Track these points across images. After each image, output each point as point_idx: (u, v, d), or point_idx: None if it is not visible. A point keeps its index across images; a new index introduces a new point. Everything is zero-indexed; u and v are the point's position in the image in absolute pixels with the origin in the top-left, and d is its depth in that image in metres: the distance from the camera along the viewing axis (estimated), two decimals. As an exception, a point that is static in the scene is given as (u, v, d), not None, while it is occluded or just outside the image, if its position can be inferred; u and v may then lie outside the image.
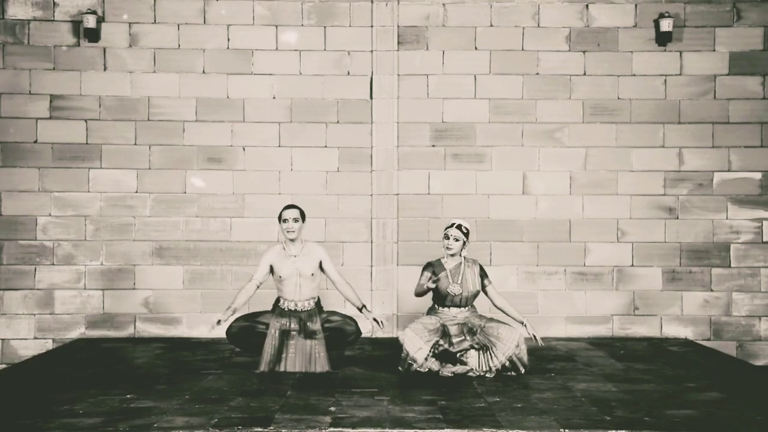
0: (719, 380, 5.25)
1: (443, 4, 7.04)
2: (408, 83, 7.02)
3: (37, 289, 6.86)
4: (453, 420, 4.17)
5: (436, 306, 5.43)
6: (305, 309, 5.43)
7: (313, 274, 5.43)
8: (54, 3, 6.92)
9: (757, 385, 5.21)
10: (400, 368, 5.26)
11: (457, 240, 5.35)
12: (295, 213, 5.42)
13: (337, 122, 7.02)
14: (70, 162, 6.91)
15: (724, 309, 6.99)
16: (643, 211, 7.02)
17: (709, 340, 6.94)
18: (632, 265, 7.02)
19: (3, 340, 6.84)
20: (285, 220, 5.40)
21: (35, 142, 6.90)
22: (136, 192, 6.94)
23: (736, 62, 7.04)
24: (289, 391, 4.82)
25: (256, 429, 3.99)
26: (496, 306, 5.53)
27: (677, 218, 7.03)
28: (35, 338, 6.83)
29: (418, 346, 5.18)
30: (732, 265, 7.00)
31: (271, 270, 5.44)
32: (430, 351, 5.18)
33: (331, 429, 4.00)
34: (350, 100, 7.02)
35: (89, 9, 6.87)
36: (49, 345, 6.80)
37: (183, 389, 4.85)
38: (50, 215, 6.88)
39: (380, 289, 6.96)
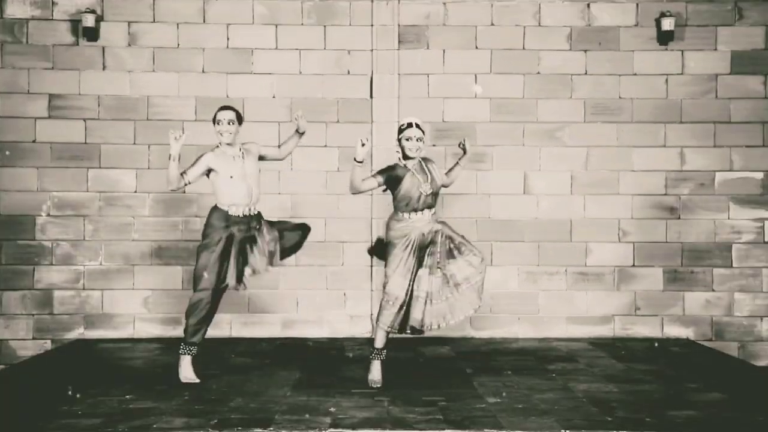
0: (721, 381, 5.25)
1: (444, 3, 7.04)
2: (408, 82, 7.02)
3: (36, 290, 6.86)
4: (453, 421, 4.18)
5: (404, 214, 4.96)
6: (254, 213, 5.18)
7: (260, 170, 5.25)
8: (53, 2, 6.92)
9: (759, 385, 5.21)
10: (379, 322, 4.95)
11: (420, 140, 4.95)
12: (230, 114, 5.15)
13: (337, 122, 7.02)
14: (69, 161, 6.91)
15: (725, 309, 6.99)
16: (644, 211, 7.02)
17: (710, 340, 6.94)
18: (634, 265, 7.02)
19: (1, 340, 6.83)
20: (219, 122, 5.12)
21: (34, 141, 6.90)
22: (135, 192, 6.94)
23: (738, 61, 7.04)
24: (288, 391, 4.83)
25: (256, 430, 4.00)
26: (449, 180, 5.26)
27: (679, 218, 7.03)
28: (34, 339, 6.84)
29: (400, 285, 4.92)
30: (734, 265, 7.00)
31: (209, 173, 5.15)
32: (408, 286, 4.91)
33: (331, 430, 4.01)
34: (350, 99, 7.02)
35: (88, 8, 6.87)
36: (48, 345, 6.80)
37: (182, 390, 4.85)
38: (49, 215, 6.89)
39: (380, 290, 6.94)
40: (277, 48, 7.03)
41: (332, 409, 4.39)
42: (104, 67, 6.97)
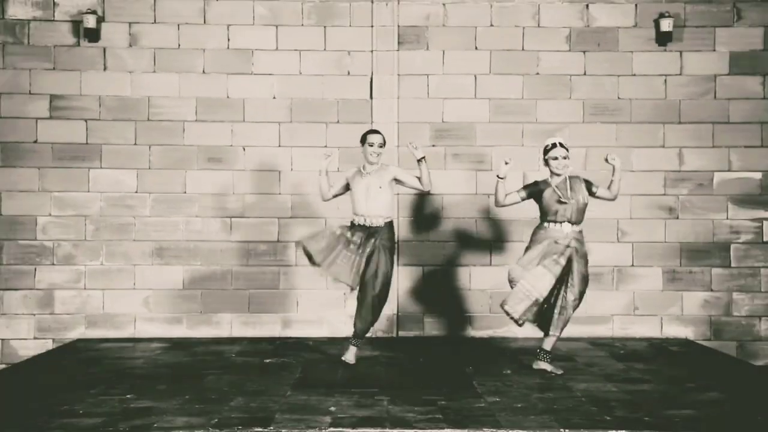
0: (719, 380, 5.25)
1: (443, 4, 7.04)
2: (408, 83, 7.02)
3: (37, 289, 6.86)
4: (453, 420, 4.18)
5: (545, 223, 5.36)
6: (374, 225, 5.50)
7: (381, 187, 5.53)
8: (54, 3, 6.92)
9: (757, 385, 5.21)
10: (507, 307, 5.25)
11: (565, 158, 5.32)
12: (380, 139, 5.61)
13: (337, 122, 7.02)
14: (70, 162, 6.90)
15: (724, 309, 6.98)
16: (643, 211, 7.02)
17: (709, 340, 6.94)
18: (632, 265, 7.01)
19: (3, 340, 6.83)
20: (371, 144, 5.56)
21: (35, 141, 6.90)
22: (136, 192, 6.94)
23: (737, 62, 7.04)
24: (289, 391, 4.83)
25: (256, 429, 4.00)
26: (611, 195, 5.48)
27: (677, 218, 7.03)
28: (35, 338, 6.83)
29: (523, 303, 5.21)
30: (732, 265, 7.00)
31: (348, 189, 5.68)
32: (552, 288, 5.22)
33: (331, 429, 4.00)
34: (350, 100, 7.02)
35: (89, 9, 6.87)
36: (49, 345, 6.80)
37: (183, 389, 4.85)
38: (50, 215, 6.88)
39: (380, 289, 6.93)
40: (278, 49, 7.03)
41: (332, 409, 4.39)
42: (105, 68, 6.96)
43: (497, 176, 5.36)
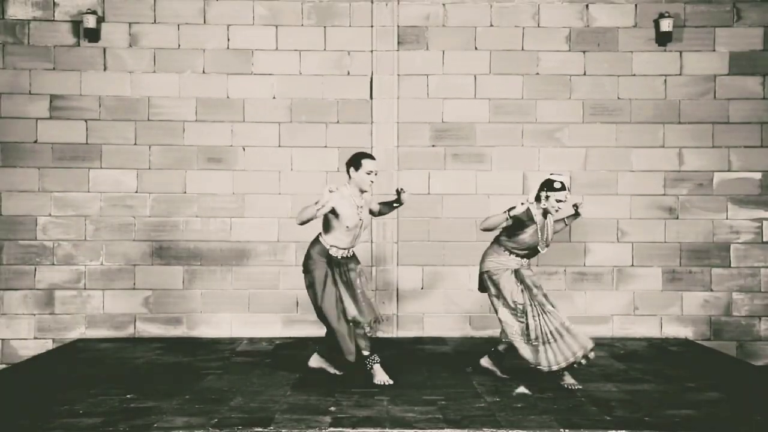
0: (719, 380, 5.25)
1: (443, 4, 7.04)
2: (408, 83, 7.02)
3: (37, 289, 6.86)
4: (453, 420, 4.18)
5: (506, 252, 5.14)
6: (351, 255, 5.19)
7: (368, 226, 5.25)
8: (54, 3, 6.92)
9: (757, 385, 5.21)
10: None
11: (564, 201, 5.02)
12: (378, 166, 5.11)
13: (337, 122, 7.02)
14: (70, 162, 6.90)
15: (724, 309, 6.99)
16: (643, 211, 7.02)
17: (709, 340, 6.94)
18: (632, 265, 7.01)
19: (3, 340, 6.83)
20: (370, 172, 4.95)
21: (35, 142, 6.90)
22: (136, 192, 6.94)
23: (736, 62, 7.04)
24: (289, 391, 4.83)
25: (256, 429, 4.00)
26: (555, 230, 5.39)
27: (677, 218, 7.03)
28: (35, 338, 6.83)
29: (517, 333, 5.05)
30: (732, 265, 7.00)
31: (333, 211, 4.95)
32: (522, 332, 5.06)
33: (331, 429, 4.00)
34: (350, 100, 7.02)
35: (89, 9, 6.87)
36: (49, 345, 6.80)
37: (183, 389, 4.85)
38: (50, 215, 6.88)
39: (380, 289, 6.96)
40: (278, 49, 7.03)
41: (332, 409, 4.39)
42: (105, 68, 6.96)
43: (509, 212, 4.98)
